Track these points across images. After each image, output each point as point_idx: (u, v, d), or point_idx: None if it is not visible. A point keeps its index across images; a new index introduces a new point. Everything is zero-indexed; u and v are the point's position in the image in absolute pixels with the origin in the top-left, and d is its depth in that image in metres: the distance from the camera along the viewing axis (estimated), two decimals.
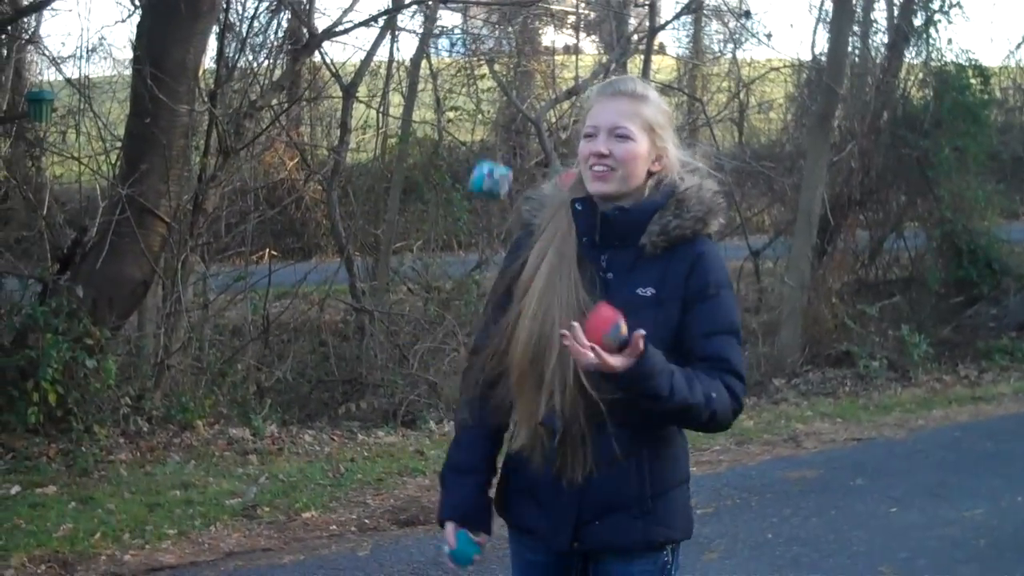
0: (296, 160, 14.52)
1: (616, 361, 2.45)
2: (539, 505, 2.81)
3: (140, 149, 8.48)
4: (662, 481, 2.77)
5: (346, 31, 10.04)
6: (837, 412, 9.85)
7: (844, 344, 11.99)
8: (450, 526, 2.86)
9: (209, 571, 5.51)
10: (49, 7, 10.57)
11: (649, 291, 2.70)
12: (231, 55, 9.79)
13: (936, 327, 12.73)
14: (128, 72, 13.43)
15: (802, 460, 8.09)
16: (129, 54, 13.16)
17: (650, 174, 2.77)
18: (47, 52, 13.07)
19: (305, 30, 10.61)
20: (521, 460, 2.81)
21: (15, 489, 6.57)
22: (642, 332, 2.46)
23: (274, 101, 10.33)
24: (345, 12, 10.35)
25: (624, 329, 2.46)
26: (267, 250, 12.46)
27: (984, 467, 7.94)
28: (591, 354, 2.43)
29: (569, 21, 23.35)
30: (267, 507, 6.40)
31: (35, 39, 11.97)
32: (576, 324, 2.47)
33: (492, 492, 2.89)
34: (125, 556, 5.59)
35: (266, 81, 10.38)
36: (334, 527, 6.19)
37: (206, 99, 9.21)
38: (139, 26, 8.94)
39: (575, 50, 21.69)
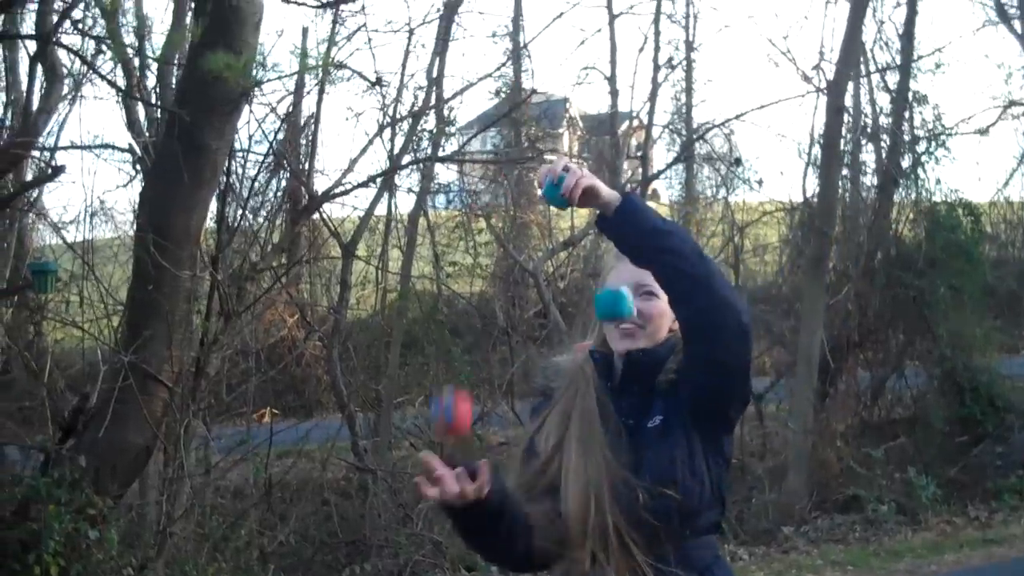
0: (296, 317, 14.63)
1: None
2: None
3: (143, 314, 8.54)
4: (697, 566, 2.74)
5: (345, 192, 10.22)
6: (848, 559, 9.75)
7: (851, 488, 11.89)
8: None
9: None
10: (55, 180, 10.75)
11: (656, 420, 2.73)
12: (231, 218, 9.93)
13: (943, 467, 12.63)
14: (129, 233, 13.71)
15: None
16: (129, 216, 13.50)
17: (671, 331, 2.82)
18: (49, 219, 13.27)
19: (304, 192, 10.78)
20: None
21: None
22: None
23: (274, 263, 10.45)
24: (344, 173, 10.50)
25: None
26: (268, 408, 12.47)
27: None
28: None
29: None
30: None
31: (38, 207, 12.16)
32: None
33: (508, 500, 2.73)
34: None
35: (266, 242, 10.52)
36: None
37: (208, 263, 9.30)
38: (141, 194, 9.12)
39: None
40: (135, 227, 9.15)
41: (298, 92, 12.30)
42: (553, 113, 21.43)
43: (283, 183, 11.96)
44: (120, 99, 12.69)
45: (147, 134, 13.19)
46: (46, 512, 7.35)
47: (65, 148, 12.18)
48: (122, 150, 12.37)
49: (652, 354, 2.78)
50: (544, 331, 15.79)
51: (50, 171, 9.53)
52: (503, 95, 18.95)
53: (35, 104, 10.00)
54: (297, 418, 13.24)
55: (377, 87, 11.48)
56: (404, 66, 13.58)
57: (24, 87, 11.13)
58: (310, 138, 12.08)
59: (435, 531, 9.89)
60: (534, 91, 17.37)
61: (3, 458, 8.24)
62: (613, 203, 2.58)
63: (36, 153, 10.40)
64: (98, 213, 13.75)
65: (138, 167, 12.35)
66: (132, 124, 13.42)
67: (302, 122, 13.10)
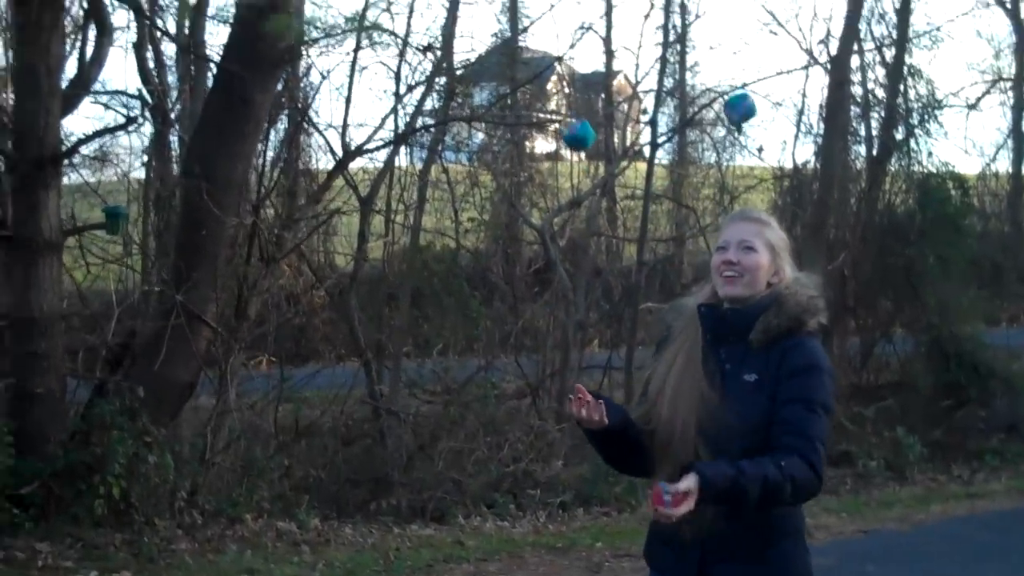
0: (292, 267, 14.92)
1: (683, 507, 2.98)
2: (671, 549, 3.34)
3: (190, 258, 9.10)
4: (772, 535, 3.27)
5: (375, 150, 10.72)
6: (842, 508, 10.40)
7: (843, 444, 12.52)
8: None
9: None
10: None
11: (753, 376, 3.26)
12: (271, 171, 10.42)
13: (928, 429, 13.23)
14: (136, 177, 14.26)
15: (815, 550, 8.45)
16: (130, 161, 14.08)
17: (769, 285, 3.37)
18: (117, 164, 13.85)
19: (340, 149, 11.29)
20: None
21: (93, 574, 7.05)
22: (687, 485, 2.98)
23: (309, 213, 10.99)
24: (376, 130, 11.14)
25: (670, 494, 2.98)
26: (266, 356, 12.82)
27: (983, 557, 8.58)
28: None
29: (552, 129, 24.21)
30: None
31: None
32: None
33: (626, 424, 3.33)
34: None
35: (299, 194, 11.02)
36: None
37: (250, 211, 9.80)
38: (190, 144, 9.59)
39: (555, 156, 22.51)
40: (182, 175, 9.59)
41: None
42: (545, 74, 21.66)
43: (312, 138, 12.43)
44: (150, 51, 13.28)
45: (157, 82, 13.84)
46: (110, 437, 7.89)
47: (89, 93, 12.51)
48: (132, 96, 12.70)
49: (740, 313, 3.33)
50: (537, 289, 16.30)
51: (126, 120, 10.02)
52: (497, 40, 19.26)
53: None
54: (293, 366, 13.54)
55: (427, 53, 12.09)
56: (409, 24, 14.02)
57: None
58: (345, 95, 12.52)
59: (454, 471, 10.46)
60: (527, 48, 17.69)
61: (63, 390, 8.72)
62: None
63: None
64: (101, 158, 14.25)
65: (147, 114, 12.85)
66: (144, 73, 14.06)
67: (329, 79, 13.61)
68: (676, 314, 3.52)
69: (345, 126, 11.49)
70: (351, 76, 12.43)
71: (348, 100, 12.19)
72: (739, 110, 3.61)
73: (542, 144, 23.31)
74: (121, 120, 11.28)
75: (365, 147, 10.77)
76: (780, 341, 3.28)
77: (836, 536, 9.22)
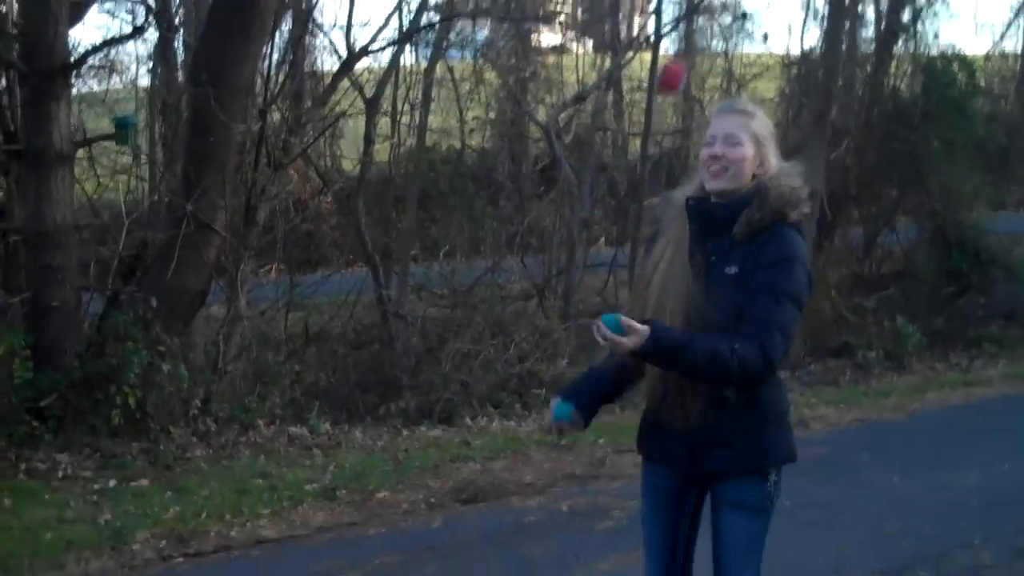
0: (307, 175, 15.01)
1: (628, 342, 3.17)
2: (663, 439, 3.55)
3: (198, 165, 9.12)
4: (756, 420, 3.44)
5: (380, 49, 10.78)
6: (840, 399, 10.65)
7: (843, 336, 12.73)
8: (554, 399, 3.63)
9: (307, 542, 6.31)
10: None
11: (733, 269, 3.39)
12: (276, 74, 10.41)
13: (929, 317, 13.43)
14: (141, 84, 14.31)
15: (811, 440, 8.84)
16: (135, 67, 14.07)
17: (754, 177, 3.49)
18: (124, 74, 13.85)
19: (345, 49, 11.33)
20: (650, 407, 3.57)
21: (112, 482, 7.32)
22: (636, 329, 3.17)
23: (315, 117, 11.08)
24: (379, 30, 11.30)
25: (621, 322, 3.17)
26: (275, 264, 12.95)
27: (976, 440, 8.85)
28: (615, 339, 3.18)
29: (560, 20, 24.05)
30: (343, 490, 7.17)
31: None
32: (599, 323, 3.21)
33: (597, 399, 3.65)
34: (231, 532, 6.37)
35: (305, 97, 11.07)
36: (405, 505, 6.96)
37: (256, 116, 9.87)
38: (196, 49, 9.60)
39: (562, 50, 22.41)
40: (189, 81, 9.59)
41: None
42: None
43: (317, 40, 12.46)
44: None
45: None
46: (125, 348, 8.12)
47: (95, 1, 12.51)
48: (137, 1, 12.74)
49: (724, 207, 3.46)
50: (543, 187, 16.41)
51: (132, 29, 10.08)
52: None
53: None
54: (303, 272, 13.67)
55: None
56: None
57: None
58: None
59: (462, 372, 10.70)
60: None
61: (79, 302, 8.92)
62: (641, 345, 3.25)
63: None
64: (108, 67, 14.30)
65: (151, 20, 12.87)
66: None
67: None
68: (666, 207, 3.65)
69: (349, 26, 11.61)
70: None
71: (352, 2, 12.17)
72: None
73: (548, 37, 23.20)
74: (127, 29, 11.28)
75: (370, 47, 10.81)
76: (761, 233, 3.40)
77: (832, 426, 9.46)
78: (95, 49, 10.18)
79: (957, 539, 6.25)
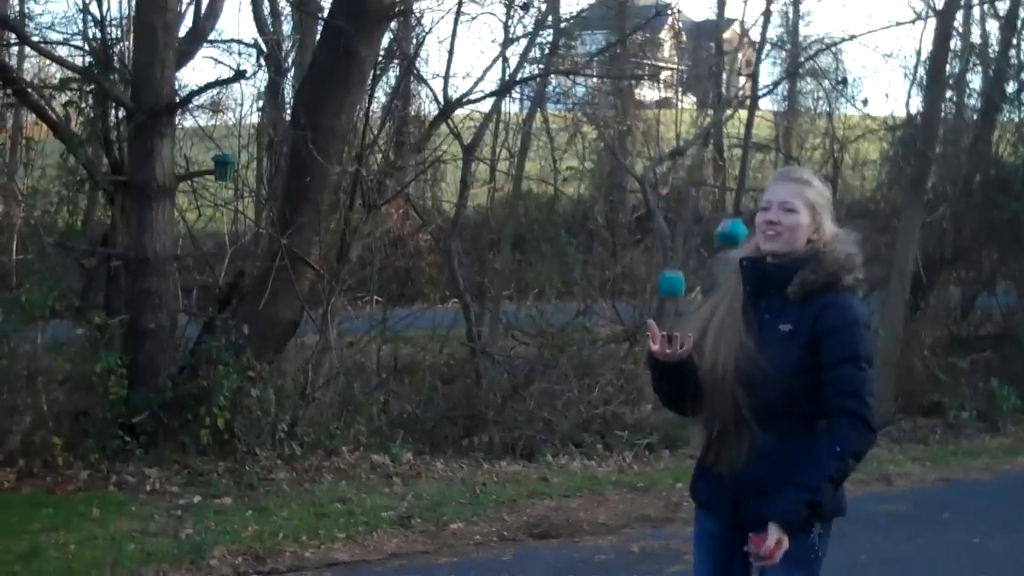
0: (400, 211, 15.34)
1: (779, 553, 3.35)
2: (711, 486, 3.63)
3: (296, 203, 9.53)
4: (798, 472, 3.46)
5: (478, 100, 11.04)
6: (927, 456, 10.52)
7: (935, 395, 12.55)
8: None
9: (378, 568, 6.44)
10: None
11: (787, 327, 3.50)
12: (381, 119, 10.72)
13: None
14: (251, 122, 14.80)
15: (893, 496, 8.78)
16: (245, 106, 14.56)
17: (809, 242, 3.59)
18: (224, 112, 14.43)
19: (441, 98, 11.65)
20: (701, 454, 3.68)
21: (196, 499, 7.56)
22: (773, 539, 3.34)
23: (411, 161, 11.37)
24: (477, 82, 11.51)
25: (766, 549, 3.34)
26: (372, 296, 13.24)
27: None
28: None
29: (663, 77, 24.23)
30: (418, 519, 7.30)
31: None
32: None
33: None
34: (305, 553, 6.54)
35: (400, 143, 11.38)
36: (478, 537, 7.08)
37: (353, 159, 10.19)
38: (297, 94, 9.97)
39: (665, 104, 22.58)
40: (291, 125, 9.97)
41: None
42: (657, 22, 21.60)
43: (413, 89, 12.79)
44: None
45: (271, 31, 14.35)
46: (216, 372, 8.40)
47: (206, 42, 12.95)
48: (248, 45, 13.20)
49: (779, 268, 3.57)
50: (638, 236, 16.50)
51: (235, 73, 10.51)
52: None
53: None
54: (399, 306, 13.94)
55: (526, 10, 12.43)
56: None
57: None
58: (448, 49, 12.93)
59: (545, 411, 10.76)
60: None
61: (174, 326, 9.25)
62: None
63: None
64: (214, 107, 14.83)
65: (262, 62, 13.33)
66: (260, 23, 14.63)
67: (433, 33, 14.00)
68: (723, 266, 3.77)
69: (447, 76, 11.85)
70: (454, 28, 12.76)
71: (451, 52, 12.53)
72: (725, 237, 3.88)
73: (651, 92, 23.39)
74: (231, 72, 11.70)
75: (466, 98, 11.06)
76: (816, 295, 3.50)
77: (916, 484, 9.36)
78: (199, 90, 10.61)
79: None
